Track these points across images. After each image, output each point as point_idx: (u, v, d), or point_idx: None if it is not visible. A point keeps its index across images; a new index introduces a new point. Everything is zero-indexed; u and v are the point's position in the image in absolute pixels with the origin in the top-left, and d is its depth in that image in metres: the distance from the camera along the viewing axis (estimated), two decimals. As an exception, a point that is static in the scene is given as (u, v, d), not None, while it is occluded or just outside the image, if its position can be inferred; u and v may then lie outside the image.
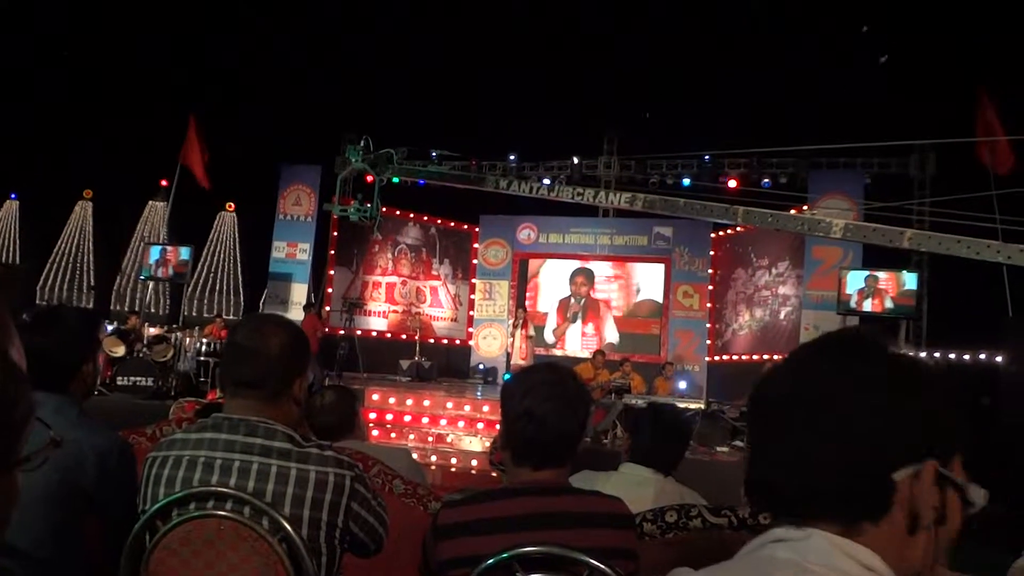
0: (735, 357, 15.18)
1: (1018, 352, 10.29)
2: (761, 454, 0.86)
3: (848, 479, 0.79)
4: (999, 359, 11.50)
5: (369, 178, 12.09)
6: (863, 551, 0.78)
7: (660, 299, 15.98)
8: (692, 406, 10.64)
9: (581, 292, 16.54)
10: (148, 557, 1.72)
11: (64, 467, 1.99)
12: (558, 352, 16.11)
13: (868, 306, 11.22)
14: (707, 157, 15.48)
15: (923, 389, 0.81)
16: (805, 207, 13.37)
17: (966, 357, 14.29)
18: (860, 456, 0.79)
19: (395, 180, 14.46)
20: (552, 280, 16.78)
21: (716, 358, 15.53)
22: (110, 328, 14.07)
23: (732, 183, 14.86)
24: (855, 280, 11.31)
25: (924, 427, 0.80)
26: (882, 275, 11.24)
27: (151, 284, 17.71)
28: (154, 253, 14.30)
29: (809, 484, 0.81)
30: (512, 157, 16.65)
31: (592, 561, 1.57)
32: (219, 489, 1.71)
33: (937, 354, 14.39)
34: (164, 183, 18.88)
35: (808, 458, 0.81)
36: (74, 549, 2.04)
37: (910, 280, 11.21)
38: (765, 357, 13.80)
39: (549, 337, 16.46)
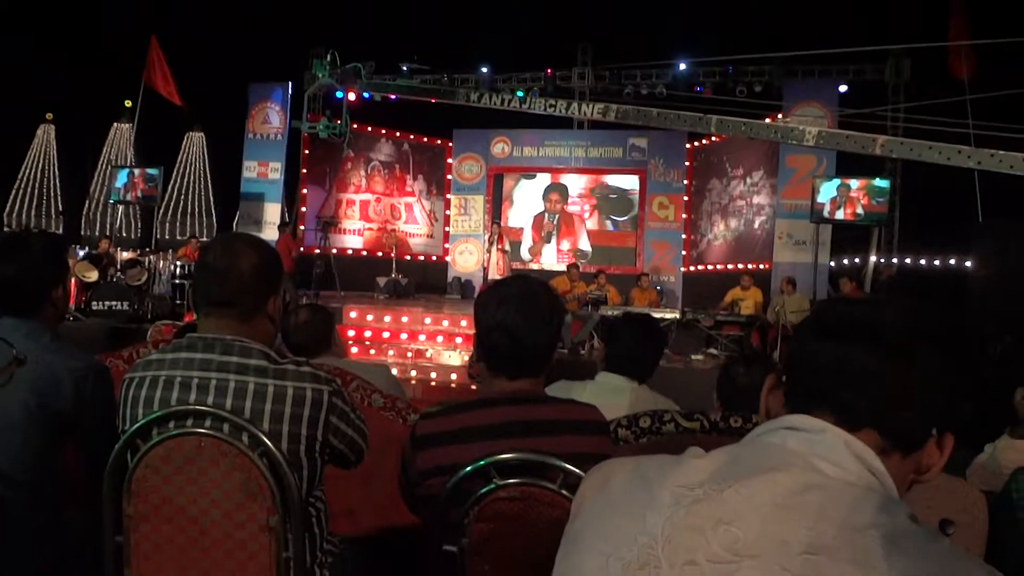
0: (710, 267, 15.31)
1: (986, 257, 10.46)
2: (847, 369, 0.93)
3: (908, 421, 0.91)
4: (968, 264, 11.70)
5: (341, 95, 11.87)
6: (870, 453, 0.85)
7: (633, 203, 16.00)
8: (667, 315, 10.78)
9: (555, 209, 16.51)
10: (130, 476, 1.75)
11: (40, 391, 2.00)
12: (534, 267, 16.16)
13: (840, 214, 11.30)
14: (682, 66, 15.30)
15: (972, 384, 0.96)
16: (780, 116, 13.31)
17: (936, 263, 14.51)
18: (925, 407, 0.91)
19: (366, 96, 14.20)
20: (526, 198, 16.70)
21: (691, 268, 15.65)
22: (81, 253, 13.93)
23: (706, 93, 14.73)
24: (828, 189, 11.35)
25: (959, 406, 0.94)
26: (854, 183, 11.28)
27: (121, 208, 17.46)
28: (122, 176, 14.02)
29: (880, 411, 0.90)
30: (484, 70, 16.35)
31: (566, 466, 1.61)
32: (197, 407, 1.73)
33: (908, 260, 14.61)
34: (128, 104, 18.42)
35: (888, 392, 0.91)
36: (55, 471, 2.07)
37: (881, 188, 11.27)
38: (739, 267, 13.94)
39: (525, 254, 16.48)
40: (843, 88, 14.14)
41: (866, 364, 0.90)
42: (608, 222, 16.31)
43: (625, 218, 16.16)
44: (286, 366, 1.77)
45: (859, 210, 11.31)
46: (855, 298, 1.06)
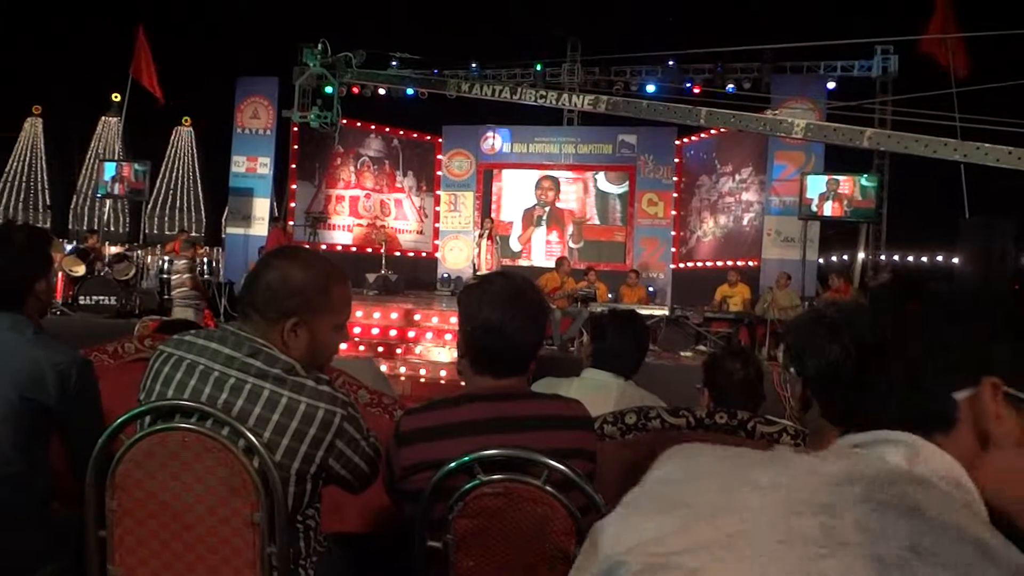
0: (699, 264, 15.35)
1: (973, 252, 10.51)
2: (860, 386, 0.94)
3: (919, 403, 0.89)
4: (955, 260, 11.76)
5: (332, 89, 11.83)
6: (947, 459, 0.85)
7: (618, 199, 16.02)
8: (657, 312, 10.80)
9: (547, 198, 16.51)
10: (113, 470, 1.74)
11: (24, 385, 1.99)
12: (524, 262, 16.17)
13: (828, 210, 11.33)
14: (671, 61, 15.33)
15: (967, 322, 0.91)
16: (769, 111, 13.35)
17: (924, 259, 14.59)
18: (926, 384, 0.90)
19: (355, 82, 14.13)
20: (517, 189, 16.71)
21: (680, 265, 15.69)
22: (69, 247, 13.85)
23: (696, 89, 14.77)
24: (816, 184, 11.38)
25: (975, 354, 0.89)
26: (842, 179, 11.33)
27: (109, 202, 17.36)
28: (109, 170, 13.95)
29: (892, 408, 0.90)
30: (474, 65, 16.33)
31: (550, 462, 1.61)
32: (182, 403, 1.72)
33: (896, 256, 14.67)
34: (116, 97, 18.30)
35: (893, 387, 0.91)
36: (41, 465, 2.06)
37: (869, 183, 11.31)
38: (729, 263, 13.98)
39: (515, 245, 16.49)
40: (831, 84, 14.20)
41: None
42: (596, 218, 16.34)
43: (614, 218, 16.21)
44: (305, 382, 1.75)
45: (847, 206, 11.35)
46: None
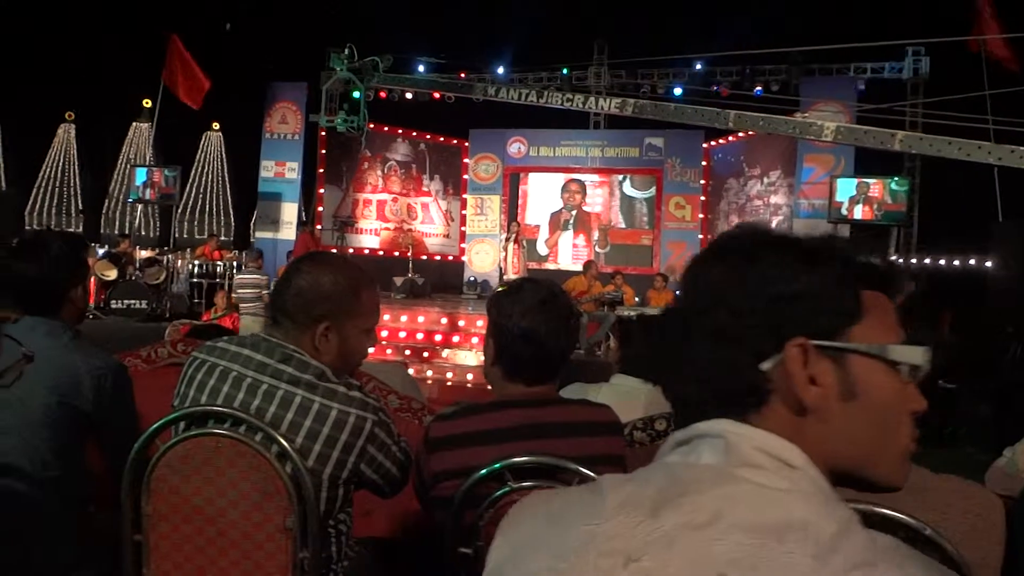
0: (727, 267, 15.22)
1: (1006, 257, 10.36)
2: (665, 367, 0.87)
3: (723, 379, 0.81)
4: (988, 264, 11.60)
5: (359, 94, 11.91)
6: (773, 441, 0.78)
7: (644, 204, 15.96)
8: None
9: (574, 201, 16.48)
10: (149, 475, 1.77)
11: (61, 390, 2.02)
12: (551, 265, 16.14)
13: (859, 213, 11.23)
14: (699, 65, 15.24)
15: (773, 277, 0.81)
16: (797, 114, 13.23)
17: (956, 263, 14.39)
18: (728, 355, 0.80)
19: (382, 86, 14.17)
20: (543, 192, 16.70)
21: (708, 269, 15.56)
22: (101, 252, 14.05)
23: (723, 92, 14.67)
24: (846, 187, 11.28)
25: (781, 313, 0.80)
26: (872, 182, 11.20)
27: (140, 207, 17.58)
28: (140, 175, 14.15)
29: (696, 388, 0.82)
30: (500, 71, 16.35)
31: (581, 468, 1.61)
32: (216, 408, 1.74)
33: (928, 260, 14.48)
34: (147, 103, 18.54)
35: (692, 364, 0.82)
36: (78, 468, 2.09)
37: (899, 186, 11.18)
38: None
39: (542, 248, 16.47)
40: (861, 86, 14.04)
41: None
42: (623, 221, 16.29)
43: (640, 222, 16.15)
44: (337, 387, 1.76)
45: (878, 210, 11.23)
46: None
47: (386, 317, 11.34)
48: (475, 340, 10.72)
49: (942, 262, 14.33)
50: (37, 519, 2.00)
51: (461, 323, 11.23)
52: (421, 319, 11.33)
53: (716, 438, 0.80)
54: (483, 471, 1.66)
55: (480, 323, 11.00)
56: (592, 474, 1.60)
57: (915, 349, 0.82)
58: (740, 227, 0.88)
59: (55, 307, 2.16)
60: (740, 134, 14.51)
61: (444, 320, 11.30)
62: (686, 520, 0.72)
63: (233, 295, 10.76)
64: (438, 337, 11.03)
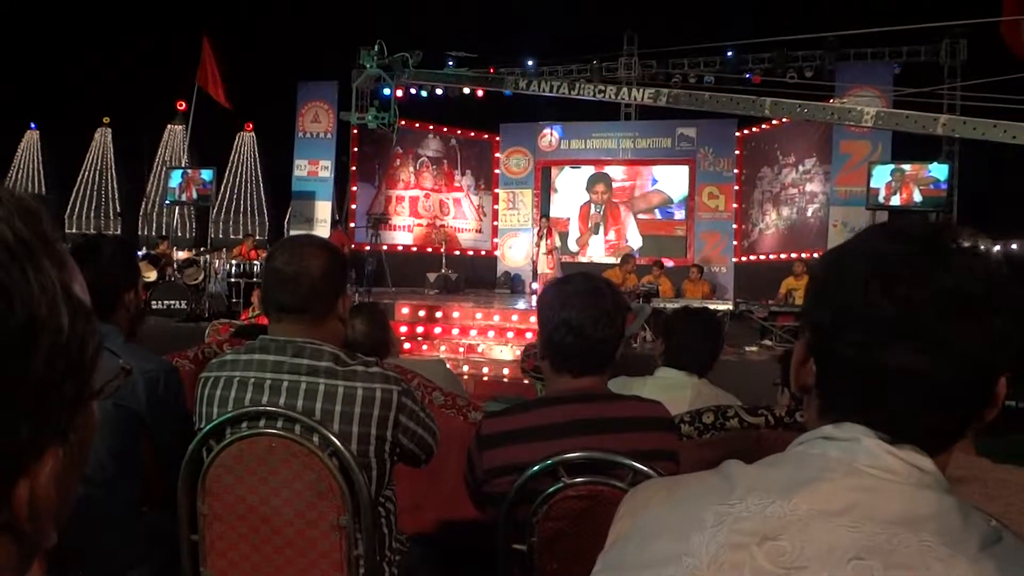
0: (762, 257, 15.10)
1: (1051, 240, 10.14)
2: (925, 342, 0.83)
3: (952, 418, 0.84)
4: (1031, 248, 11.36)
5: (389, 92, 11.95)
6: (915, 454, 0.81)
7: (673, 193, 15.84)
8: (720, 307, 10.65)
9: (602, 200, 16.43)
10: (204, 475, 1.79)
11: (117, 394, 2.05)
12: (583, 260, 16.10)
13: (896, 200, 11.05)
14: (730, 52, 15.07)
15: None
16: (833, 100, 13.05)
17: (997, 248, 14.13)
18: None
19: (412, 82, 14.19)
20: (571, 186, 16.63)
21: (743, 258, 15.45)
22: (140, 254, 14.26)
23: (756, 79, 14.49)
24: (882, 174, 11.10)
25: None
26: (910, 167, 11.00)
27: (176, 208, 17.81)
28: (176, 177, 14.33)
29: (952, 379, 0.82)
30: (530, 63, 16.30)
31: (635, 464, 1.61)
32: (270, 408, 1.76)
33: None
34: (182, 106, 18.75)
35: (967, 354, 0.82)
36: (133, 470, 2.13)
37: (937, 172, 10.98)
38: (792, 256, 13.71)
39: (572, 246, 16.43)
40: (897, 70, 13.79)
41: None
42: (657, 211, 16.19)
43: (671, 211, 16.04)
44: (356, 367, 1.79)
45: (916, 195, 11.05)
46: None
47: (421, 313, 11.39)
48: (510, 335, 10.72)
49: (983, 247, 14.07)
50: (94, 520, 2.04)
51: (496, 318, 11.23)
52: (456, 314, 11.35)
53: (848, 441, 0.83)
54: (536, 467, 1.66)
55: (515, 317, 11.00)
56: (647, 469, 1.59)
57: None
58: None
59: (108, 311, 2.19)
60: (773, 122, 14.34)
61: (479, 315, 11.31)
62: (821, 507, 0.77)
63: None
64: (473, 332, 11.04)
